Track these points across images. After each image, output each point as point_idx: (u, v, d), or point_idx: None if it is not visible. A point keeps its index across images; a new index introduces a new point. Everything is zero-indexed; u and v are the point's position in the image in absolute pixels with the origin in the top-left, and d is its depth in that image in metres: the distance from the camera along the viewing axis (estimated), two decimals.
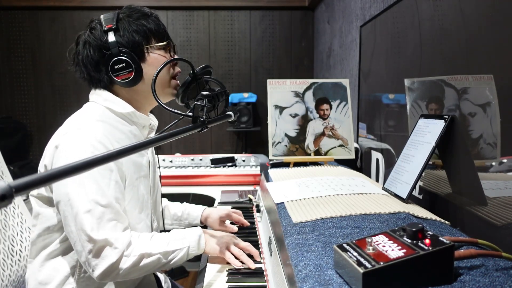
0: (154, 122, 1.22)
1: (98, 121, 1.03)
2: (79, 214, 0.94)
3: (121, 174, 1.02)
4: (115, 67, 1.04)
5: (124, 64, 1.04)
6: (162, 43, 1.10)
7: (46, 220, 1.04)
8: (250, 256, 1.13)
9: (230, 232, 1.32)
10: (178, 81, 1.15)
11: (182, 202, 1.48)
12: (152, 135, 1.21)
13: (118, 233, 0.97)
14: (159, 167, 1.28)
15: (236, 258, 1.11)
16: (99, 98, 1.09)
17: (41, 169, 1.04)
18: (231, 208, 1.70)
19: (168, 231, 1.13)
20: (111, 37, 1.04)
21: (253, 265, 1.11)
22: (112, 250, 0.95)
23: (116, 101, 1.08)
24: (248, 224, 1.42)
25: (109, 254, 0.95)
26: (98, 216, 0.95)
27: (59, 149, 0.98)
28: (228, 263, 1.13)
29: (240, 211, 1.47)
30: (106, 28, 1.04)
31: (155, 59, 1.09)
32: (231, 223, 1.43)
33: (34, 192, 1.05)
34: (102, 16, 1.07)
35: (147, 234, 1.06)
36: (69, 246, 1.04)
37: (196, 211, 1.42)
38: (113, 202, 0.98)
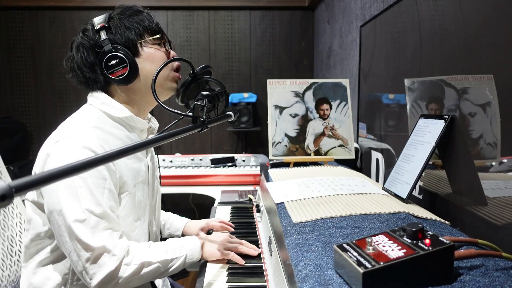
0: (155, 124, 1.20)
1: (93, 127, 1.01)
2: (73, 224, 0.92)
3: (114, 182, 1.00)
4: (109, 64, 1.02)
5: (118, 60, 1.02)
6: (156, 36, 1.08)
7: (37, 226, 1.03)
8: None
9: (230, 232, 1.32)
10: (178, 74, 1.13)
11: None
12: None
13: (115, 241, 0.95)
14: (159, 167, 1.27)
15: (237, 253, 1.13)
16: (96, 101, 1.07)
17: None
18: (231, 208, 1.71)
19: None
20: (103, 35, 1.03)
21: (255, 252, 1.15)
22: (110, 257, 0.93)
23: (113, 105, 1.06)
24: (232, 225, 1.41)
25: (108, 261, 0.93)
26: (93, 226, 0.93)
27: (51, 158, 0.96)
28: (228, 262, 1.13)
29: (219, 218, 1.48)
30: (98, 27, 1.03)
31: (149, 53, 1.07)
32: (209, 232, 1.41)
33: (29, 196, 1.03)
34: (94, 18, 1.07)
35: (145, 243, 1.05)
36: (60, 255, 1.02)
37: (179, 222, 1.40)
38: (107, 211, 0.96)
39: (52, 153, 0.96)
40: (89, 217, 0.93)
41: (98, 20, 1.05)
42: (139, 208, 1.09)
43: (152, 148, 1.22)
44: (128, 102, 1.09)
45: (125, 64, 1.03)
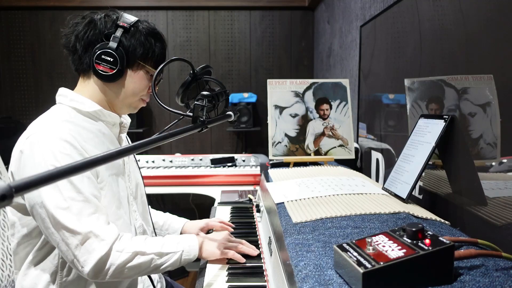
0: (126, 120, 1.21)
1: (63, 121, 1.01)
2: (57, 214, 0.92)
3: (92, 171, 1.00)
4: (102, 56, 1.04)
5: (112, 59, 1.04)
6: (154, 70, 1.10)
7: (22, 228, 1.02)
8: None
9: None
10: (145, 101, 1.15)
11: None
12: (124, 133, 1.21)
13: (102, 225, 0.95)
14: (139, 167, 1.26)
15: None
16: (65, 99, 1.08)
17: (9, 176, 1.00)
18: (231, 208, 1.71)
19: None
20: (119, 33, 1.05)
21: (255, 252, 1.15)
22: (99, 242, 0.93)
23: (82, 100, 1.07)
24: (232, 225, 1.42)
25: (97, 247, 0.93)
26: (77, 212, 0.93)
27: (25, 154, 0.96)
28: (228, 262, 1.13)
29: (219, 218, 1.48)
30: (120, 24, 1.05)
31: (139, 76, 1.09)
32: (208, 232, 1.41)
33: None
34: (124, 13, 1.08)
35: (141, 236, 1.05)
36: (47, 253, 1.02)
37: (177, 223, 1.40)
38: (90, 197, 0.96)
39: (25, 149, 0.96)
40: (71, 205, 0.93)
41: (124, 19, 1.07)
42: (119, 198, 1.08)
43: (125, 141, 1.24)
44: (99, 98, 1.10)
45: (114, 67, 1.04)
